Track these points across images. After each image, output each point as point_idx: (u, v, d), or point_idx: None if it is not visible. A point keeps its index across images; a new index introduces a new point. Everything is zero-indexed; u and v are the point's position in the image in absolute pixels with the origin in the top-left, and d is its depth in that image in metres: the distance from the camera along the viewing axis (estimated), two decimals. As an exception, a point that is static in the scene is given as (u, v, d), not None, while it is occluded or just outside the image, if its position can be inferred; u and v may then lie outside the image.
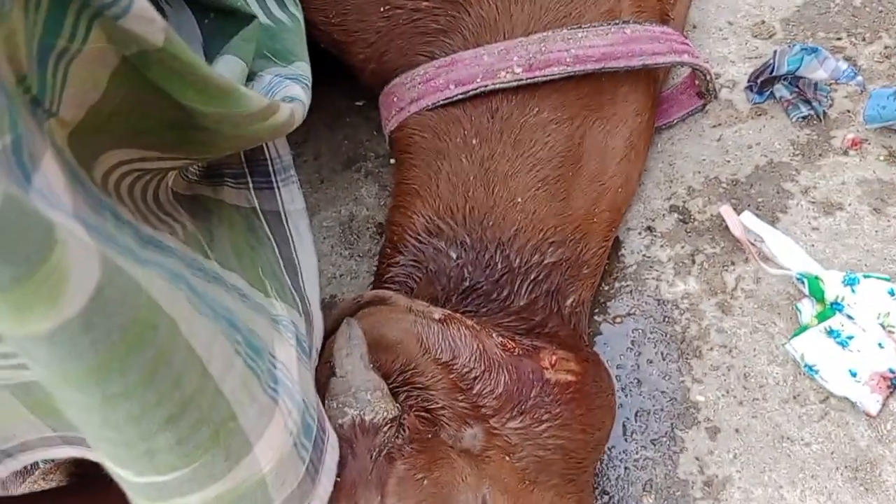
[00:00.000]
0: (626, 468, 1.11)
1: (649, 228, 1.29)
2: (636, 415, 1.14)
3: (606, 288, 1.25)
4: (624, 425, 1.13)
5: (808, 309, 1.16)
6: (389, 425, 0.80)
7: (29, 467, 1.04)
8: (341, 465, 0.78)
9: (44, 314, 0.45)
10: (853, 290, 1.14)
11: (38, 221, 0.46)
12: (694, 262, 1.25)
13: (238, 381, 0.62)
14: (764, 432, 1.10)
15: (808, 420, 1.10)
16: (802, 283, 1.15)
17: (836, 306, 1.13)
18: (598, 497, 1.09)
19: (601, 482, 1.10)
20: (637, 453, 1.11)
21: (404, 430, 0.81)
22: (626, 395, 1.15)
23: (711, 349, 1.17)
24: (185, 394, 0.56)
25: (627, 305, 1.23)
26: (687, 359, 1.17)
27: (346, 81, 1.35)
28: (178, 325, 0.56)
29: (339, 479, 0.78)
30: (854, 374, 1.09)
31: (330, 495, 0.76)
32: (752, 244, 1.22)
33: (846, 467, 1.06)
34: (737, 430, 1.10)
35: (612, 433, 1.11)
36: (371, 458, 0.78)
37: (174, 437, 0.56)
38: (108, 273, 0.50)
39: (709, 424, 1.12)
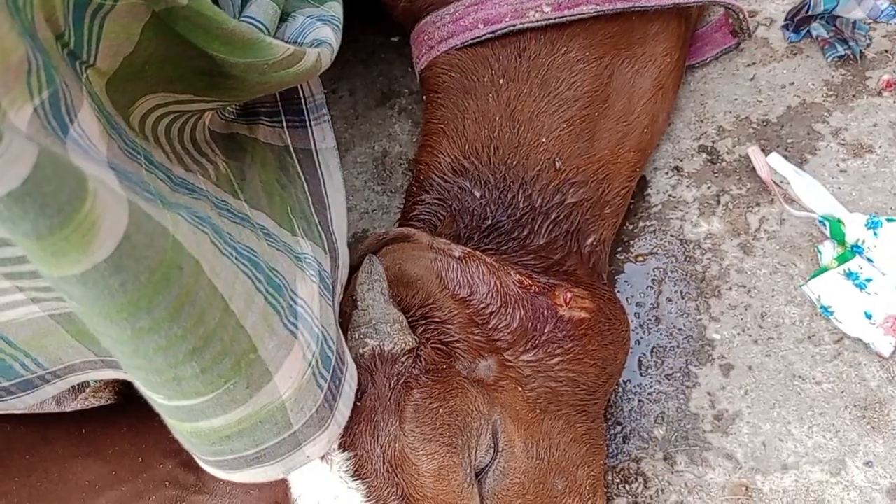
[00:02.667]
0: (639, 401, 1.15)
1: (676, 168, 1.31)
2: (652, 350, 1.18)
3: (630, 227, 1.28)
4: (640, 360, 1.18)
5: (829, 251, 1.17)
6: (407, 356, 0.86)
7: (79, 386, 1.13)
8: (361, 392, 0.84)
9: (76, 259, 0.51)
10: (875, 234, 1.15)
11: (72, 173, 0.51)
12: (719, 202, 1.26)
13: (259, 317, 0.67)
14: (776, 370, 1.13)
15: (821, 360, 1.12)
16: (824, 225, 1.17)
17: (856, 249, 1.15)
18: (611, 427, 1.14)
19: (614, 413, 1.15)
20: (651, 387, 1.16)
21: (421, 361, 0.86)
22: (643, 332, 1.19)
23: (730, 289, 1.20)
24: (209, 328, 0.61)
25: (650, 245, 1.26)
26: (706, 298, 1.20)
27: (381, 17, 1.37)
28: (202, 265, 0.61)
29: (358, 405, 0.84)
30: (869, 317, 1.11)
31: (349, 420, 0.83)
32: (778, 186, 1.23)
33: (855, 406, 1.09)
34: (750, 368, 1.14)
35: (627, 367, 1.16)
36: (389, 386, 0.84)
37: (199, 366, 0.62)
38: (135, 220, 0.55)
39: (723, 362, 1.15)
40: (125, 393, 1.07)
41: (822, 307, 1.13)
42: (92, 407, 0.99)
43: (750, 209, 1.25)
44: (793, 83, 1.32)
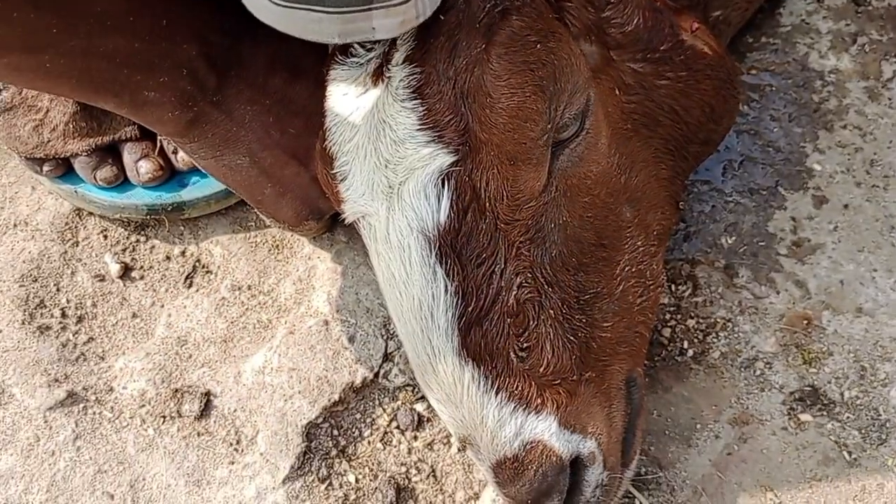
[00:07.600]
0: (713, 206, 1.01)
1: (818, -2, 1.15)
2: (742, 161, 1.04)
3: (751, 40, 1.13)
4: (725, 167, 1.03)
5: (966, 118, 1.03)
6: (513, -13, 0.70)
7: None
8: (448, 8, 0.69)
9: None
10: None
11: None
12: (855, 42, 1.11)
13: None
14: (874, 217, 0.99)
15: (926, 223, 0.98)
16: (973, 85, 1.02)
17: None
18: (675, 222, 1.00)
19: (681, 211, 1.01)
20: (730, 196, 1.02)
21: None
22: (737, 140, 1.04)
23: (845, 127, 1.05)
24: None
25: (768, 60, 1.11)
26: (815, 128, 1.05)
27: None
28: None
29: (442, 19, 0.69)
30: None
31: (426, 33, 0.68)
32: (926, 43, 1.08)
33: (952, 278, 0.95)
34: (845, 206, 1.00)
35: (709, 171, 1.02)
36: (484, 8, 0.69)
37: None
38: None
39: (817, 193, 1.01)
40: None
41: (946, 165, 0.99)
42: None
43: (886, 58, 1.09)
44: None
